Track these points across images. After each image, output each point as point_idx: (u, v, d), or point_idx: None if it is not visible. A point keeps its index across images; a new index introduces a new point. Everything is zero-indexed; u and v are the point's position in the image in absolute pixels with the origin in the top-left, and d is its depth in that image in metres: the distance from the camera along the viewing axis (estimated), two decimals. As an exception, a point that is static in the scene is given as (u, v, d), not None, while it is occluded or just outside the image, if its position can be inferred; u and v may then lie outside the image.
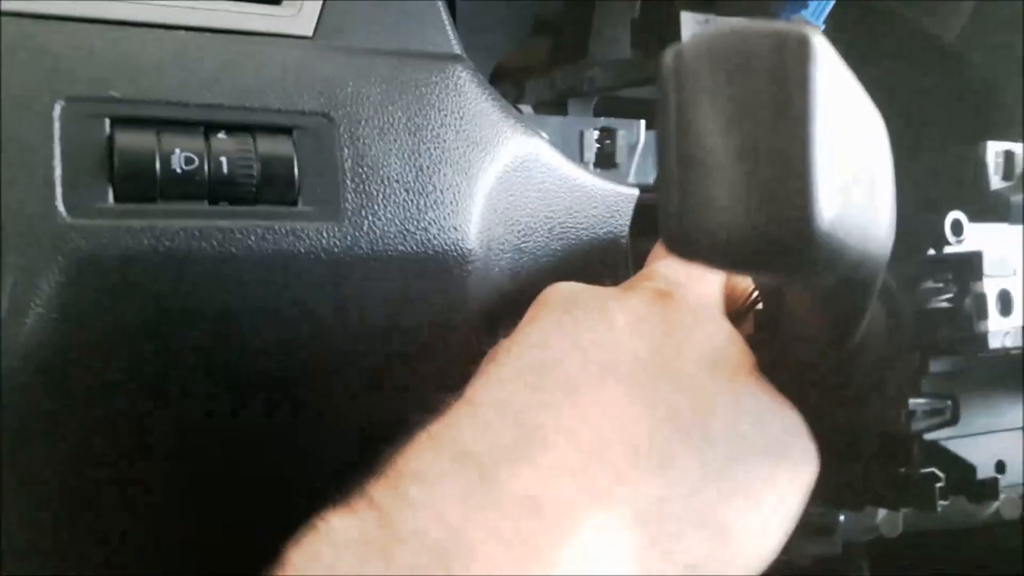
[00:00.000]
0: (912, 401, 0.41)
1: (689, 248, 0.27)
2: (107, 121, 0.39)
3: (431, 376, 0.45)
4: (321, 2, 0.46)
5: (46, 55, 0.39)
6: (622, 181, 0.55)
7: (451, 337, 0.46)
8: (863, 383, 0.42)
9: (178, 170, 0.39)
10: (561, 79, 0.69)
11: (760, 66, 0.26)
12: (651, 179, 0.62)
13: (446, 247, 0.45)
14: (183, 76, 0.41)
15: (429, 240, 0.45)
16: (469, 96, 0.47)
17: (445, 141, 0.46)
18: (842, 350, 0.39)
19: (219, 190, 0.40)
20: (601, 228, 0.53)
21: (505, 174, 0.48)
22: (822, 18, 0.66)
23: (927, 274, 0.42)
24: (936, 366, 0.41)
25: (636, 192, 0.54)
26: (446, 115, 0.46)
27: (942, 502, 0.43)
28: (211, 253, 0.40)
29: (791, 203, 0.26)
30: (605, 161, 0.55)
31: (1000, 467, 0.44)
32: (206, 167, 0.40)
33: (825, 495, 0.45)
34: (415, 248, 0.44)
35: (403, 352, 0.45)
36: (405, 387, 0.45)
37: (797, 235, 0.26)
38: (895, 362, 0.41)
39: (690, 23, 0.78)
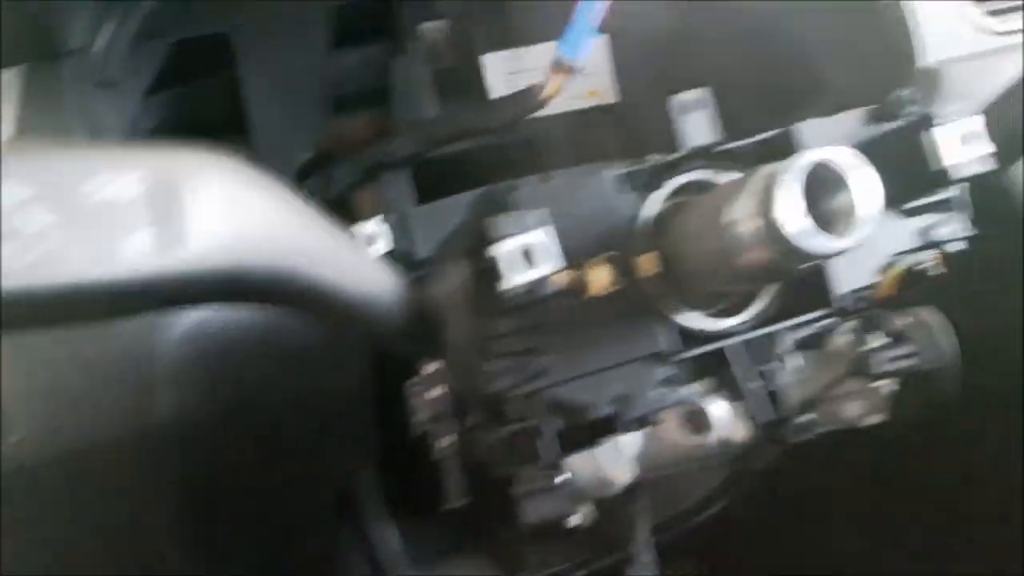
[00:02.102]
0: (487, 364, 0.43)
1: None
2: None
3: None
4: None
5: None
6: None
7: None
8: (453, 359, 0.44)
9: None
10: (366, 158, 0.69)
11: None
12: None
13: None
14: None
15: None
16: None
17: None
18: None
19: None
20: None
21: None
22: (578, 52, 0.61)
23: (481, 246, 0.43)
24: (505, 325, 0.42)
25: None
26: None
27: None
28: None
29: None
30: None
31: (622, 401, 0.44)
32: None
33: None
34: None
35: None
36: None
37: None
38: (469, 330, 0.43)
39: (495, 63, 0.77)
